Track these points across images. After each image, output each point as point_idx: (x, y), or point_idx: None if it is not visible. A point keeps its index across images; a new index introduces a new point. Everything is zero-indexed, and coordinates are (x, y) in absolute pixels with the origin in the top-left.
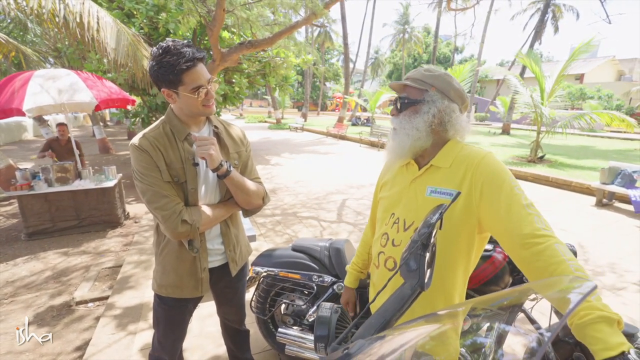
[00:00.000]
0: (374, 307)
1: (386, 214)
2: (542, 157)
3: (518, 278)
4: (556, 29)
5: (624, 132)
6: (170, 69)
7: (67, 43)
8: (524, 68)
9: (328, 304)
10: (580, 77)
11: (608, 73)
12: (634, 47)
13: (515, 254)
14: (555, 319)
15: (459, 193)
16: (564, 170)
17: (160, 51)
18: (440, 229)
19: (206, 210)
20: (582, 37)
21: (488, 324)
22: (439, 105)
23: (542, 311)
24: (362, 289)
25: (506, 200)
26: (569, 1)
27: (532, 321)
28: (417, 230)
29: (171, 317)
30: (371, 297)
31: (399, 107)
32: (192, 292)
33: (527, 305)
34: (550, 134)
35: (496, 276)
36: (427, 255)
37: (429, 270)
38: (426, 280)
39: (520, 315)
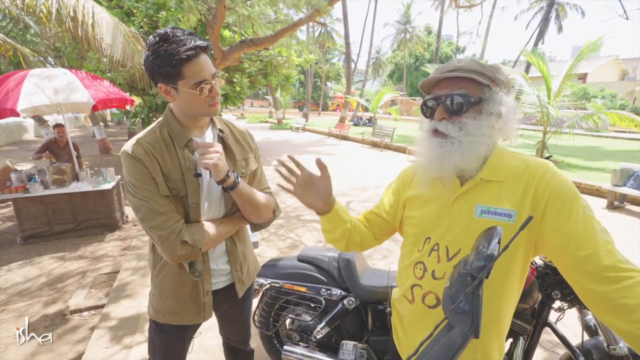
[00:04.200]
0: (405, 346)
1: (418, 239)
2: (548, 158)
3: (547, 294)
4: (559, 29)
5: (629, 132)
6: (168, 59)
7: (66, 42)
8: (528, 67)
9: (351, 344)
10: (583, 77)
11: (611, 72)
12: (638, 47)
13: (585, 288)
14: (586, 336)
15: (530, 218)
16: (572, 171)
17: (157, 39)
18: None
19: (209, 227)
20: (585, 36)
21: None
22: (507, 104)
23: (567, 324)
24: (375, 303)
25: (577, 224)
26: (573, 0)
27: (559, 336)
28: (465, 262)
29: (169, 345)
30: (398, 335)
31: (456, 106)
32: (193, 319)
33: (552, 317)
34: (556, 134)
35: (524, 293)
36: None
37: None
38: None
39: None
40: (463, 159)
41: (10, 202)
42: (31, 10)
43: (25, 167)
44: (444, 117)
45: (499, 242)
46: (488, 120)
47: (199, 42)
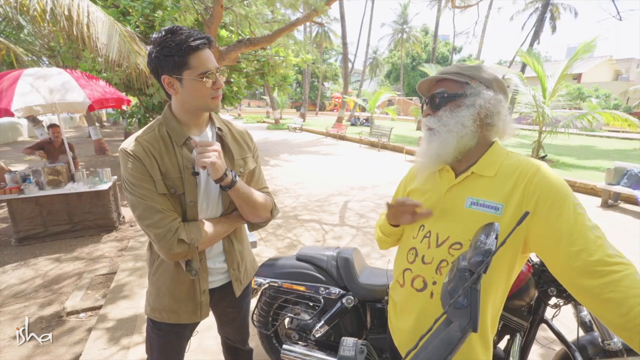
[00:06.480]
0: (398, 333)
1: (414, 226)
2: (543, 157)
3: (543, 291)
4: (554, 29)
5: (622, 131)
6: (176, 49)
7: (60, 42)
8: (523, 67)
9: (351, 341)
10: (577, 77)
11: (605, 73)
12: (631, 47)
13: (575, 284)
14: (581, 332)
15: (527, 213)
16: (567, 170)
17: (164, 32)
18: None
19: (207, 226)
20: (579, 36)
21: None
22: (484, 96)
23: (563, 321)
24: (374, 302)
25: (568, 221)
26: (567, 0)
27: (556, 332)
28: (463, 257)
29: (166, 344)
30: (392, 321)
31: (436, 103)
32: (190, 317)
33: (548, 314)
34: (551, 134)
35: (520, 290)
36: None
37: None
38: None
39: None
40: (440, 146)
41: (4, 203)
42: (25, 9)
43: (19, 167)
44: (429, 113)
45: (496, 238)
46: (466, 111)
47: (205, 35)
